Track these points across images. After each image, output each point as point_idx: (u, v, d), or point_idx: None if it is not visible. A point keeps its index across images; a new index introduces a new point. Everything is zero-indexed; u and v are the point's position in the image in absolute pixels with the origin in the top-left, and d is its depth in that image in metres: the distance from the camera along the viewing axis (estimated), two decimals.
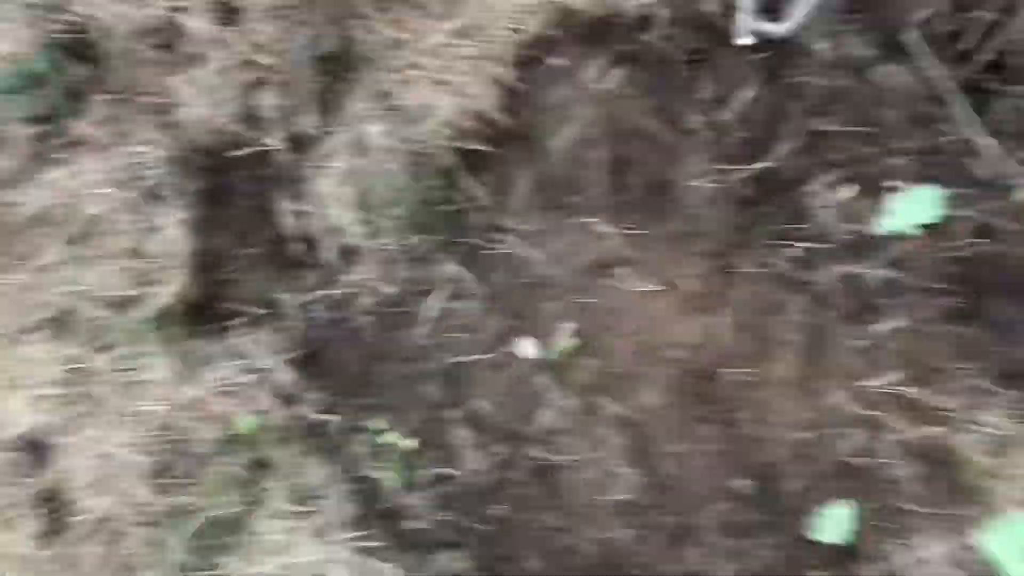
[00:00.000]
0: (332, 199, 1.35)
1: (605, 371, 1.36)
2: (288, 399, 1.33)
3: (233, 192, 1.35)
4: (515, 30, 1.43)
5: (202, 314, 1.37)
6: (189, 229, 1.33)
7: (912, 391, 1.32)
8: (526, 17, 1.43)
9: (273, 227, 1.37)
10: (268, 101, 1.30)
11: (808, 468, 1.29)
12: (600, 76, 1.47)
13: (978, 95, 1.39)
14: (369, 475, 1.32)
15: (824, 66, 1.41)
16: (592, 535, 1.31)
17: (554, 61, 1.52)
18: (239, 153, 1.30)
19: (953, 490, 1.26)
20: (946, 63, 1.36)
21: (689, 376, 1.36)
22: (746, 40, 1.14)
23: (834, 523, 1.26)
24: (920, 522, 1.26)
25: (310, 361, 1.38)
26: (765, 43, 1.41)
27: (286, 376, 1.34)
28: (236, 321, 1.38)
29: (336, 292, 1.40)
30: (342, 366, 1.39)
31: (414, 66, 1.39)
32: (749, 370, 1.35)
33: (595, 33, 1.52)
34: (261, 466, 1.30)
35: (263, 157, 1.33)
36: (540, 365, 1.37)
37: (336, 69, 1.35)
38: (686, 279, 1.41)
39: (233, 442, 1.29)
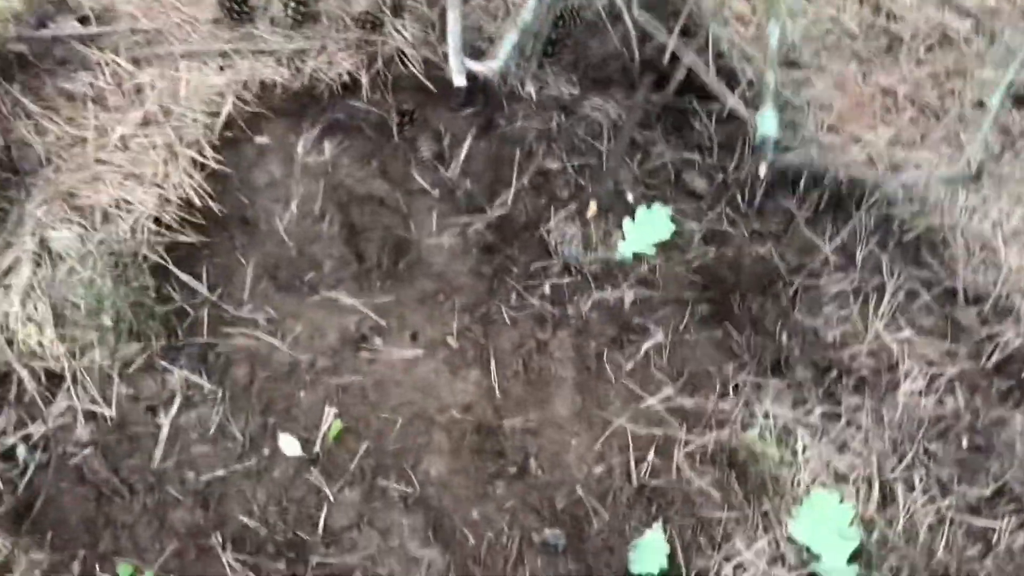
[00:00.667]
0: (20, 320, 1.73)
1: (381, 451, 1.86)
2: (1, 569, 1.62)
3: None
4: (210, 113, 1.99)
5: None
6: None
7: (688, 401, 2.00)
8: (217, 98, 2.00)
9: None
10: None
11: (611, 502, 1.87)
12: (312, 148, 2.07)
13: (677, 116, 2.21)
14: None
15: (535, 108, 2.15)
16: None
17: (260, 139, 2.10)
18: None
19: (753, 488, 1.92)
20: (646, 91, 2.17)
21: (471, 435, 1.92)
22: (460, 81, 1.79)
23: (650, 552, 1.85)
24: (731, 528, 1.88)
25: (24, 517, 1.69)
26: (478, 92, 2.12)
27: None
28: None
29: (42, 428, 1.75)
30: (66, 514, 1.74)
31: (100, 162, 1.88)
32: (530, 416, 1.93)
33: (298, 106, 2.15)
34: None
35: None
36: (307, 461, 1.82)
37: (3, 172, 1.78)
38: (446, 337, 1.98)
39: None
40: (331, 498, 1.84)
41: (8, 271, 1.78)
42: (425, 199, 2.22)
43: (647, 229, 2.22)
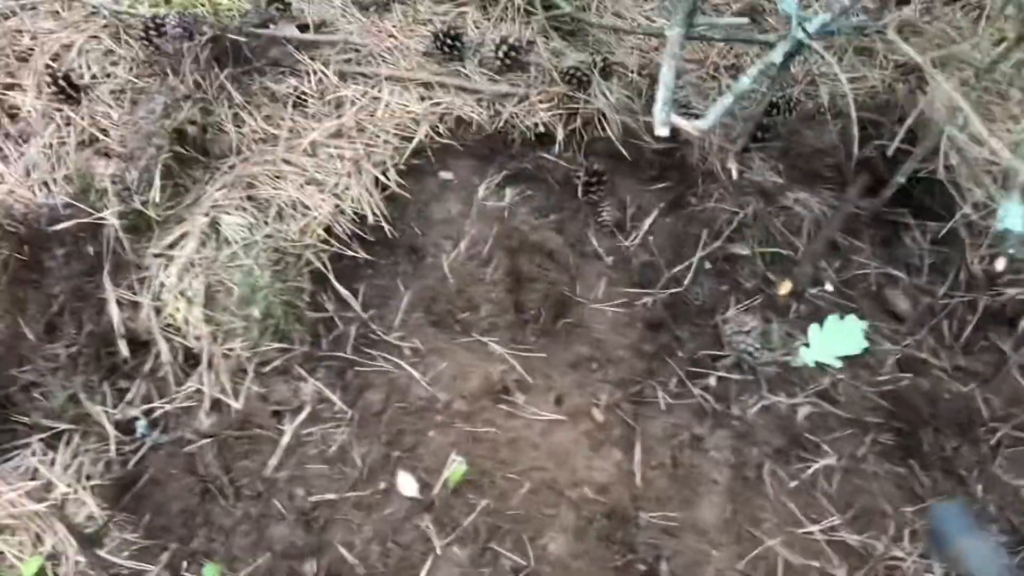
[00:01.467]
0: (174, 291, 1.68)
1: (500, 512, 1.68)
2: (90, 539, 1.52)
3: (48, 272, 1.65)
4: (402, 137, 1.94)
5: None
6: None
7: (855, 538, 1.73)
8: (412, 125, 1.95)
9: (94, 321, 1.66)
10: (105, 171, 1.67)
11: None
12: (493, 191, 1.98)
13: (887, 227, 2.00)
14: None
15: (732, 191, 1.99)
16: None
17: (444, 175, 2.03)
18: (63, 226, 1.64)
19: None
20: (857, 193, 1.98)
21: (601, 519, 1.71)
22: (663, 131, 1.68)
23: None
24: None
25: (125, 492, 1.60)
26: (674, 168, 1.99)
27: (91, 509, 1.55)
28: (29, 438, 1.59)
29: (167, 407, 1.67)
30: (167, 500, 1.63)
31: (287, 162, 1.85)
32: (670, 514, 1.71)
33: (488, 148, 2.08)
34: None
35: (92, 234, 1.67)
36: (422, 505, 1.67)
37: (192, 151, 1.77)
38: (592, 408, 1.81)
39: None
40: (438, 551, 1.67)
41: (174, 244, 1.74)
42: (597, 264, 2.08)
43: (835, 340, 1.98)
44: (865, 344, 2.00)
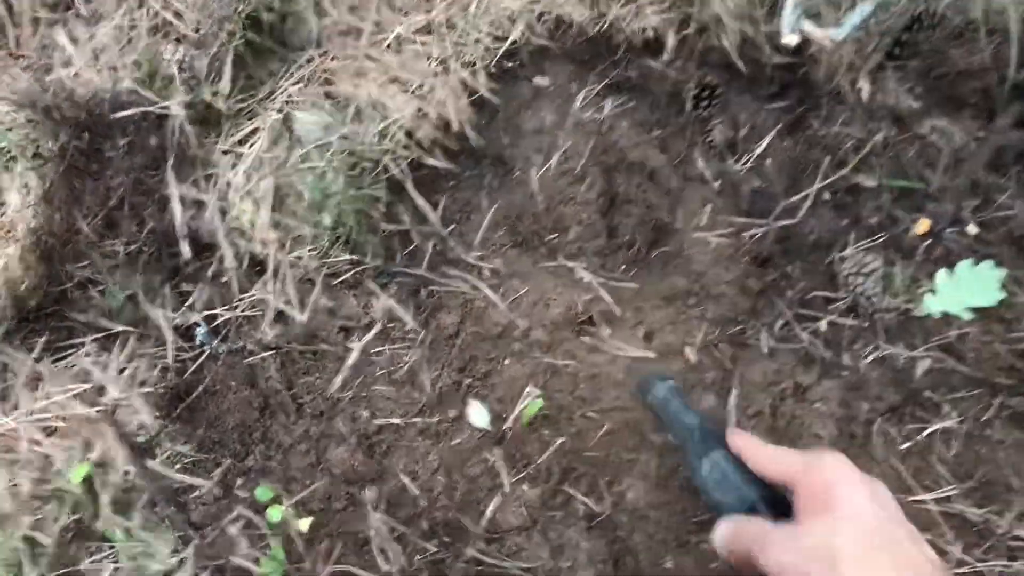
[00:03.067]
0: (241, 191, 1.51)
1: (576, 452, 1.49)
2: (141, 449, 1.39)
3: (108, 163, 1.50)
4: (496, 37, 1.71)
5: (36, 319, 1.46)
6: (36, 198, 1.45)
7: (974, 512, 1.49)
8: (507, 23, 1.71)
9: (155, 218, 1.51)
10: (173, 56, 1.49)
11: None
12: (592, 102, 1.75)
13: None
14: (242, 565, 1.36)
15: (861, 114, 1.71)
16: None
17: (539, 80, 1.79)
18: (126, 113, 1.48)
19: None
20: (1009, 124, 1.68)
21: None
22: (791, 39, 1.41)
23: None
24: None
25: (180, 402, 1.47)
26: (796, 85, 1.72)
27: (143, 418, 1.41)
28: (83, 337, 1.46)
29: (229, 315, 1.52)
30: (224, 413, 1.50)
31: (369, 58, 1.64)
32: None
33: (590, 53, 1.82)
34: (83, 537, 1.33)
35: (158, 125, 1.50)
36: (492, 438, 1.49)
37: (268, 40, 1.58)
38: (686, 347, 1.59)
39: (50, 498, 1.33)
40: (506, 488, 1.50)
41: (243, 140, 1.57)
42: (702, 188, 1.84)
43: (967, 288, 1.71)
44: (1001, 295, 1.73)
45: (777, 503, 1.01)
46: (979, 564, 1.51)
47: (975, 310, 1.73)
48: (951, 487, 1.59)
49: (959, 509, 1.58)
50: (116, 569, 1.37)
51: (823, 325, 1.72)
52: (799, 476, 0.94)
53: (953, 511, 1.57)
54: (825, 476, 0.90)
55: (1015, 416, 1.67)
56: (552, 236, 1.76)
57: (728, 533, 0.98)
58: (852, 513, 0.86)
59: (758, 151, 1.87)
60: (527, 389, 1.60)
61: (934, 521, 1.57)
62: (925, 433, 1.64)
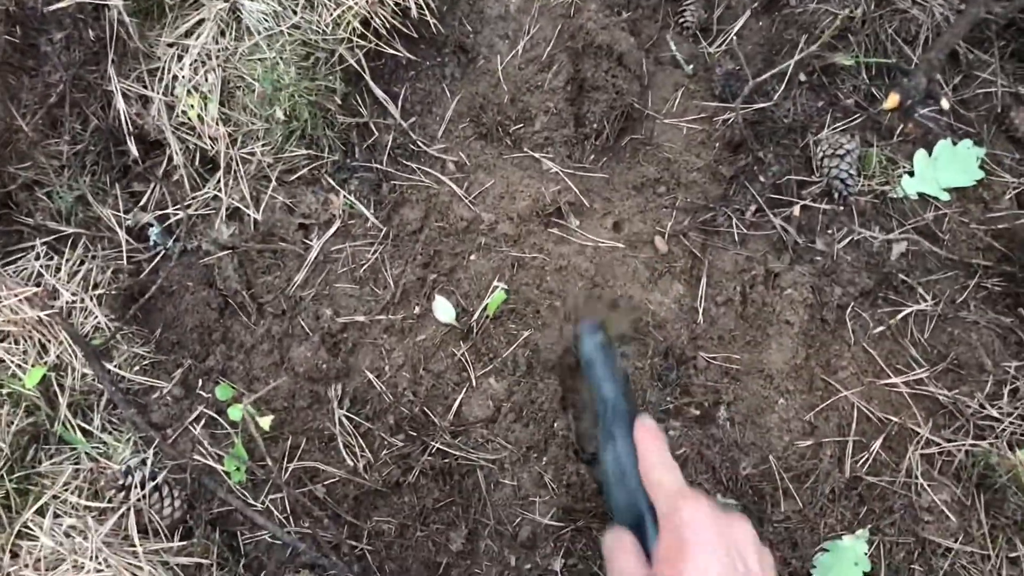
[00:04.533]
0: (188, 85, 1.41)
1: (545, 346, 1.42)
2: (96, 351, 1.33)
3: (45, 58, 1.40)
4: None
5: None
6: None
7: (944, 393, 1.43)
8: None
9: (99, 116, 1.42)
10: None
11: (810, 487, 1.37)
12: None
13: (1022, 38, 1.59)
14: (203, 463, 1.31)
15: None
16: (504, 568, 1.33)
17: None
18: (61, 5, 1.37)
19: (1006, 524, 1.41)
20: None
21: (654, 357, 1.44)
22: None
23: (844, 562, 1.35)
24: (961, 564, 1.38)
25: (134, 302, 1.40)
26: None
27: (97, 319, 1.35)
28: (33, 241, 1.39)
29: (182, 214, 1.44)
30: (182, 314, 1.43)
31: None
32: (734, 355, 1.44)
33: None
34: (41, 439, 1.28)
35: (96, 17, 1.41)
36: (458, 333, 1.43)
37: None
38: (655, 236, 1.51)
39: (4, 402, 1.27)
40: (473, 382, 1.45)
41: (189, 32, 1.46)
42: (674, 72, 1.73)
43: (945, 168, 1.63)
44: (979, 174, 1.65)
45: None
46: (947, 444, 1.47)
47: (953, 190, 1.66)
48: (923, 370, 1.54)
49: (930, 390, 1.53)
50: (76, 470, 1.33)
51: (796, 210, 1.64)
52: (664, 513, 0.91)
53: (924, 392, 1.53)
54: (682, 529, 0.86)
55: (990, 297, 1.61)
56: (518, 126, 1.68)
57: (607, 550, 0.95)
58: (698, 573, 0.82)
59: (732, 32, 1.77)
60: (493, 283, 1.53)
61: (905, 404, 1.52)
62: (899, 316, 1.58)
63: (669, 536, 0.86)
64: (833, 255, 1.61)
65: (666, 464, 0.95)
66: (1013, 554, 1.43)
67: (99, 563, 1.22)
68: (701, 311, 1.55)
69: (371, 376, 1.48)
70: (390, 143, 1.62)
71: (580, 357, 1.22)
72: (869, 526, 1.43)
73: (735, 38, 1.76)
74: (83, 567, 1.21)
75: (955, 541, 1.43)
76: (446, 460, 1.45)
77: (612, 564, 0.91)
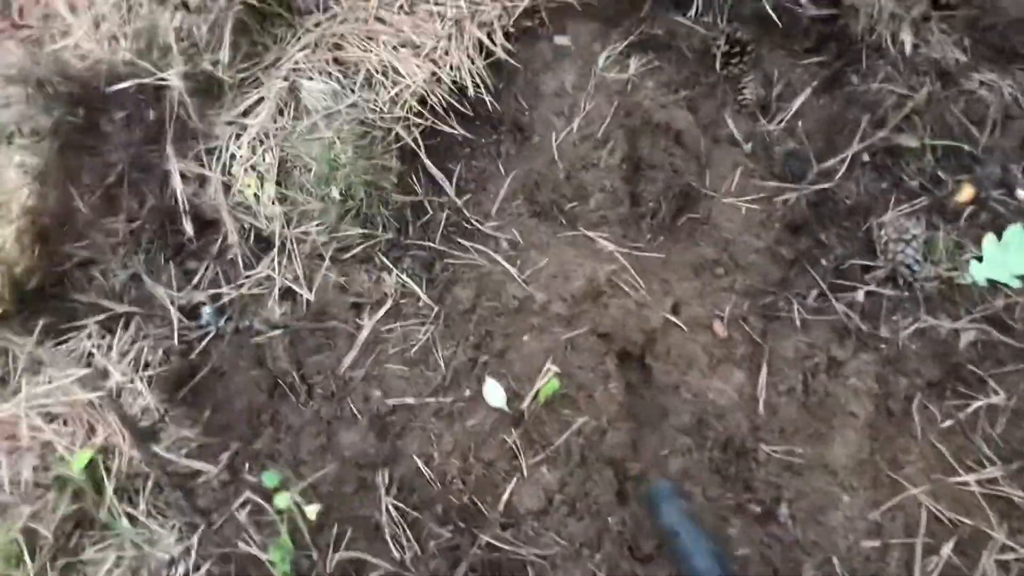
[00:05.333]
0: (245, 165, 1.39)
1: (600, 432, 1.36)
2: (145, 433, 1.30)
3: (106, 138, 1.39)
4: None
5: (36, 301, 1.36)
6: (33, 176, 1.34)
7: (1019, 494, 1.35)
8: None
9: (156, 195, 1.41)
10: (170, 24, 1.36)
11: None
12: (616, 62, 1.60)
13: None
14: (247, 551, 1.26)
15: (903, 69, 1.55)
16: None
17: (560, 40, 1.64)
18: (123, 86, 1.36)
19: None
20: None
21: (714, 450, 1.38)
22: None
23: None
24: None
25: (184, 383, 1.37)
26: (832, 39, 1.54)
27: (147, 400, 1.32)
28: (85, 319, 1.36)
29: (234, 294, 1.41)
30: (231, 395, 1.40)
31: (380, 20, 1.51)
32: (796, 449, 1.37)
33: (614, 10, 1.68)
34: (86, 525, 1.25)
35: (156, 97, 1.39)
36: (510, 418, 1.38)
37: (273, 4, 1.45)
38: (714, 320, 1.45)
39: (51, 487, 1.24)
40: (524, 471, 1.39)
41: (247, 111, 1.45)
42: (733, 151, 1.68)
43: (1016, 254, 1.55)
44: None
45: None
46: (1023, 547, 1.37)
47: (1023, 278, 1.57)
48: (995, 467, 1.45)
49: (1004, 490, 1.43)
50: (119, 558, 1.29)
51: (860, 295, 1.57)
52: None
53: (997, 492, 1.43)
54: None
55: None
56: (572, 204, 1.63)
57: None
58: None
59: (792, 110, 1.72)
60: (546, 366, 1.47)
61: (977, 504, 1.43)
62: (969, 410, 1.50)
63: None
64: (898, 343, 1.53)
65: None
66: None
67: None
68: (762, 401, 1.48)
69: (420, 463, 1.43)
70: (444, 221, 1.59)
71: (660, 526, 1.14)
72: None
73: (796, 116, 1.70)
74: None
75: None
76: (496, 554, 1.38)
77: None
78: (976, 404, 1.50)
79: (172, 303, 1.44)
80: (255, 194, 1.45)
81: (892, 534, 1.41)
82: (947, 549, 1.40)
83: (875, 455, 1.47)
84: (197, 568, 1.26)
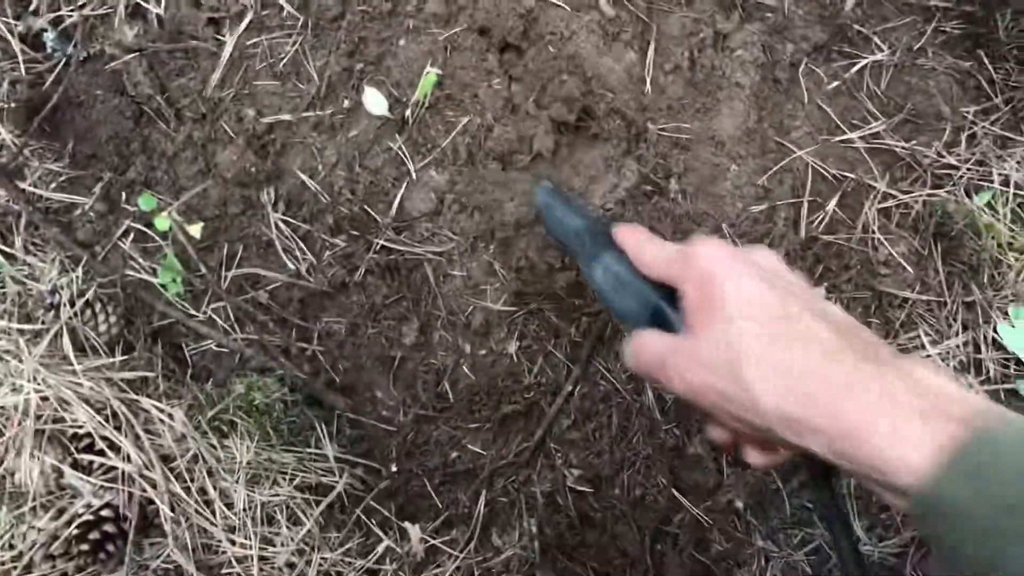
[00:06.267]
0: None
1: (486, 128, 1.30)
2: (6, 170, 1.20)
3: None
4: None
5: None
6: None
7: (901, 144, 1.35)
8: None
9: None
10: None
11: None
12: None
13: None
14: (137, 278, 1.21)
15: None
16: (459, 356, 1.27)
17: None
18: None
19: (962, 270, 1.32)
20: None
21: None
22: None
23: None
24: (919, 314, 1.31)
25: (38, 114, 1.25)
26: None
27: (1, 135, 1.21)
28: None
29: (76, 16, 1.28)
30: (94, 125, 1.33)
31: None
32: (684, 124, 1.34)
33: None
34: None
35: None
36: (393, 125, 1.30)
37: None
38: None
39: None
40: (413, 175, 1.34)
41: None
42: None
43: None
44: None
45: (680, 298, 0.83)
46: (904, 196, 1.40)
47: None
48: (879, 123, 1.44)
49: (887, 144, 1.44)
50: (3, 294, 1.24)
51: None
52: (680, 272, 0.77)
53: (881, 146, 1.44)
54: (703, 268, 0.73)
55: (949, 41, 1.50)
56: None
57: (633, 355, 0.82)
58: (741, 307, 0.69)
59: None
60: (426, 68, 1.39)
61: (861, 159, 1.44)
62: (854, 70, 1.48)
63: (693, 286, 0.76)
64: (784, 10, 1.48)
65: (659, 241, 0.85)
66: (968, 299, 1.39)
67: (38, 384, 1.15)
68: (649, 81, 1.43)
69: (304, 177, 1.37)
70: None
71: (539, 215, 1.09)
72: (826, 284, 1.38)
73: None
74: (21, 389, 1.13)
75: (912, 291, 1.39)
76: (392, 256, 1.37)
77: (643, 360, 0.80)
78: (861, 63, 1.48)
79: (11, 33, 1.31)
80: None
81: (780, 196, 1.42)
82: (832, 203, 1.41)
83: (762, 123, 1.45)
84: (82, 294, 1.22)
